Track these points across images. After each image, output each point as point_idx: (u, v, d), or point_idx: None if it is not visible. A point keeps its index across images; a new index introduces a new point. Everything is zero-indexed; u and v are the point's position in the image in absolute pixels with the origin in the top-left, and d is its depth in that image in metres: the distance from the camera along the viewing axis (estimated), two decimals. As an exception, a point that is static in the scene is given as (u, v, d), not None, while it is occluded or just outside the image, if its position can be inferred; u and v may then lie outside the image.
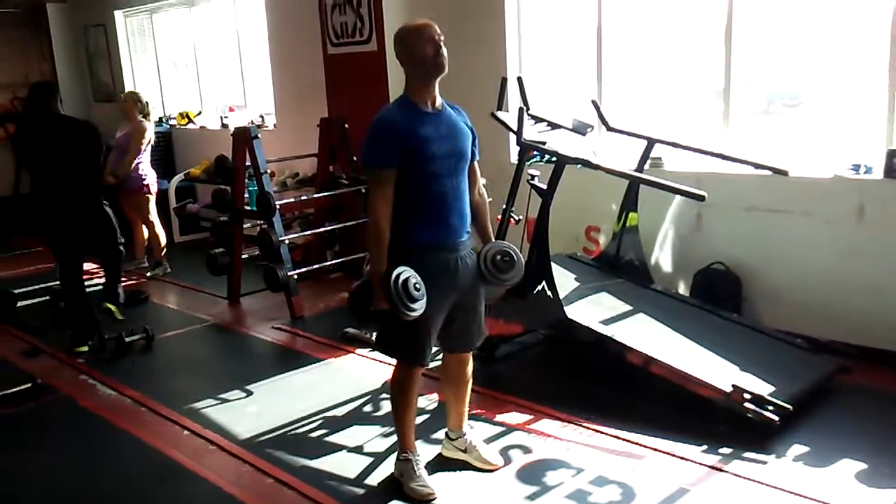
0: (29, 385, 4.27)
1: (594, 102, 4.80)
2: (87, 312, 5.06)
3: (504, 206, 4.45)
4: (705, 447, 3.35)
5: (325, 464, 3.39)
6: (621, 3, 5.19)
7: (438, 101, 2.96)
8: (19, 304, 5.92)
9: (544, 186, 4.08)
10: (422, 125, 2.86)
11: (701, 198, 3.52)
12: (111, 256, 5.43)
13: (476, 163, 3.13)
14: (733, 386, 3.49)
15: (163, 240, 6.89)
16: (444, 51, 2.87)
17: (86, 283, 5.22)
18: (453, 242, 2.98)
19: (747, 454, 3.28)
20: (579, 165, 4.16)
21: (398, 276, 2.76)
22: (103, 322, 5.17)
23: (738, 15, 4.57)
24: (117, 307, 5.50)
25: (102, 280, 5.60)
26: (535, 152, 5.03)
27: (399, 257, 2.85)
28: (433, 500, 3.04)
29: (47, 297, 6.08)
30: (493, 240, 3.21)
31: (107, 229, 5.22)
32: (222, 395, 4.18)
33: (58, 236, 5.00)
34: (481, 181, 3.22)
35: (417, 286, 2.79)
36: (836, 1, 4.36)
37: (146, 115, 6.56)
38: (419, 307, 2.79)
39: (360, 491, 3.17)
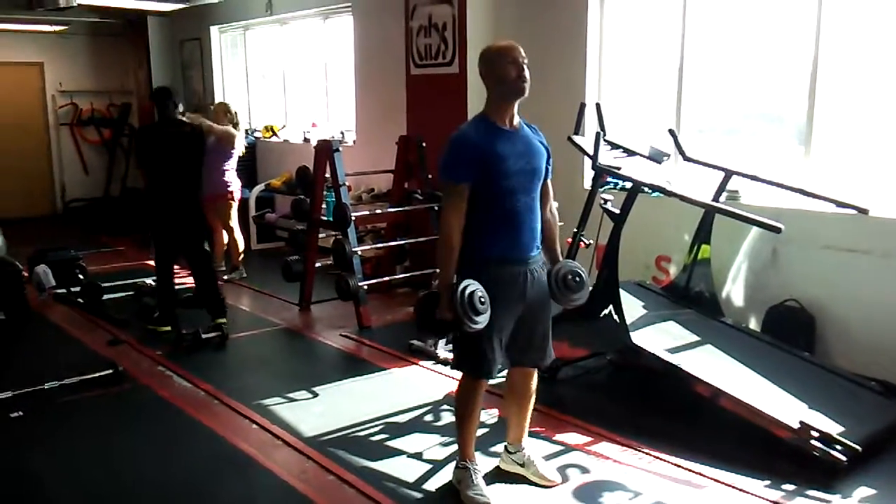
0: (110, 371, 4.50)
1: (671, 131, 4.81)
2: (171, 303, 5.48)
3: (575, 230, 4.50)
4: (768, 482, 3.30)
5: (384, 466, 3.47)
6: (704, 32, 5.20)
7: (516, 119, 3.05)
8: (105, 297, 6.23)
9: (617, 211, 4.11)
10: (498, 142, 2.94)
11: (777, 230, 3.50)
12: (202, 260, 5.60)
13: (549, 182, 3.19)
14: (801, 423, 3.43)
15: (241, 245, 7.14)
16: (527, 74, 2.95)
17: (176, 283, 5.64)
18: (523, 256, 3.05)
19: (811, 492, 3.22)
20: (654, 193, 4.18)
21: (465, 288, 2.82)
22: (184, 318, 5.43)
23: (825, 45, 4.54)
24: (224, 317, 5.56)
25: (195, 288, 5.70)
26: (610, 179, 5.09)
27: (470, 269, 2.93)
28: (488, 509, 3.08)
29: (131, 293, 6.38)
30: (561, 259, 3.24)
31: (202, 231, 5.54)
32: (289, 395, 4.33)
33: (164, 232, 5.42)
34: (553, 203, 3.27)
35: (483, 300, 2.85)
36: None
37: (235, 126, 6.85)
38: (482, 320, 2.86)
39: (418, 495, 3.24)
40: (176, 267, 5.59)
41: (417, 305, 3.05)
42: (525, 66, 2.94)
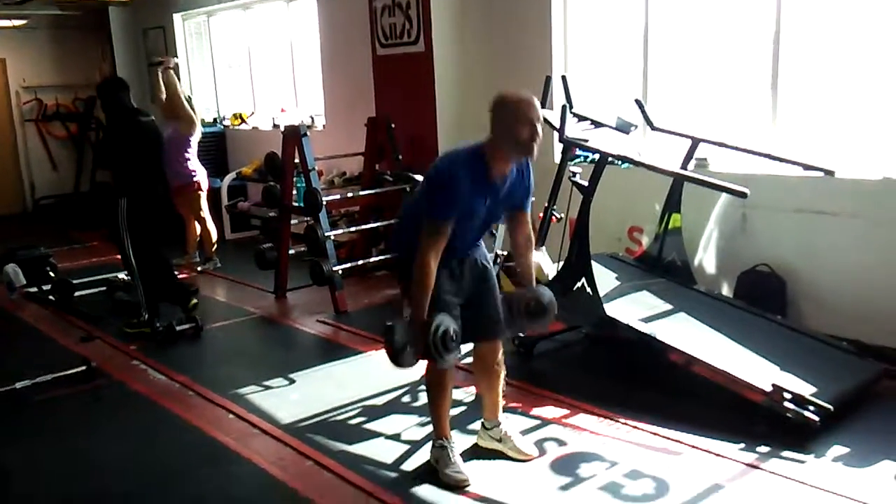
0: (83, 368, 4.45)
1: (638, 101, 4.80)
2: (158, 295, 5.35)
3: (546, 205, 4.48)
4: (743, 445, 3.33)
5: (362, 449, 3.47)
6: (668, 2, 5.18)
7: (508, 169, 2.99)
8: (77, 293, 6.15)
9: (586, 183, 4.10)
10: (482, 195, 2.94)
11: (743, 194, 3.51)
12: (163, 253, 5.57)
13: (527, 213, 3.20)
14: (773, 385, 3.46)
15: (213, 235, 7.07)
16: (540, 134, 2.86)
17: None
18: (463, 256, 3.14)
19: (786, 453, 3.26)
20: (623, 164, 4.18)
21: (438, 327, 2.86)
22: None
23: (787, 11, 4.54)
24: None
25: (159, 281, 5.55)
26: (579, 152, 5.08)
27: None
28: (467, 486, 3.09)
29: (103, 288, 6.31)
30: (533, 284, 3.25)
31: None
32: (266, 383, 4.31)
33: (147, 224, 5.23)
34: (529, 230, 3.26)
35: (454, 338, 2.90)
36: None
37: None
38: (452, 358, 2.95)
39: (396, 475, 3.24)
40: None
41: (386, 335, 3.02)
42: (539, 127, 2.85)
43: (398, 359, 2.97)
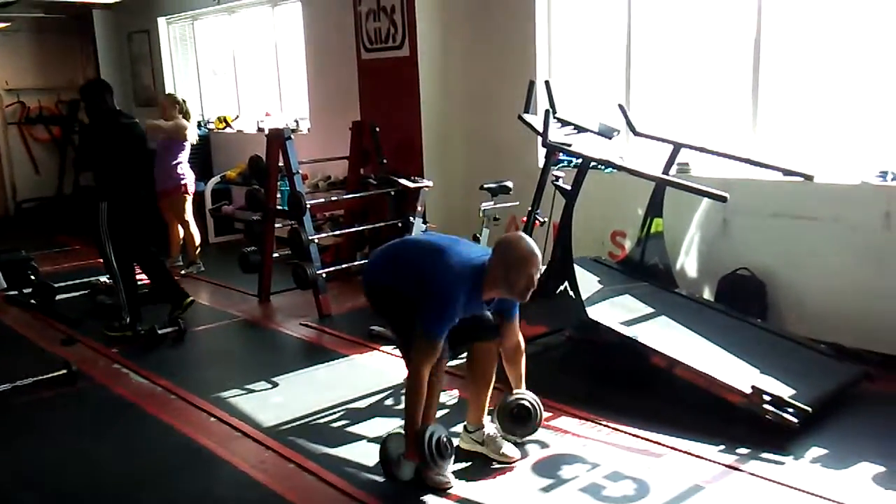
0: (65, 371, 4.42)
1: (621, 107, 4.83)
2: (140, 299, 5.37)
3: (529, 208, 4.51)
4: (723, 447, 3.36)
5: (345, 452, 3.47)
6: (650, 9, 5.23)
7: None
8: (58, 297, 6.11)
9: (569, 187, 4.12)
10: (473, 304, 3.10)
11: (723, 198, 3.55)
12: (153, 253, 5.56)
13: (514, 323, 3.33)
14: (753, 387, 3.49)
15: (197, 239, 7.05)
16: (535, 284, 3.02)
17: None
18: None
19: (765, 454, 3.29)
20: (605, 168, 4.20)
21: (431, 436, 3.03)
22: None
23: (767, 19, 4.60)
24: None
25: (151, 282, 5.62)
26: (563, 157, 5.11)
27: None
28: (449, 488, 3.10)
29: (86, 291, 6.27)
30: (523, 389, 3.41)
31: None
32: (249, 386, 4.29)
33: (129, 227, 5.23)
34: (519, 337, 3.40)
35: (448, 446, 3.09)
36: (867, 8, 4.34)
37: (186, 116, 6.75)
38: (448, 465, 3.10)
39: (379, 478, 3.23)
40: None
41: (382, 447, 3.17)
42: (536, 278, 3.01)
43: (395, 471, 3.12)
